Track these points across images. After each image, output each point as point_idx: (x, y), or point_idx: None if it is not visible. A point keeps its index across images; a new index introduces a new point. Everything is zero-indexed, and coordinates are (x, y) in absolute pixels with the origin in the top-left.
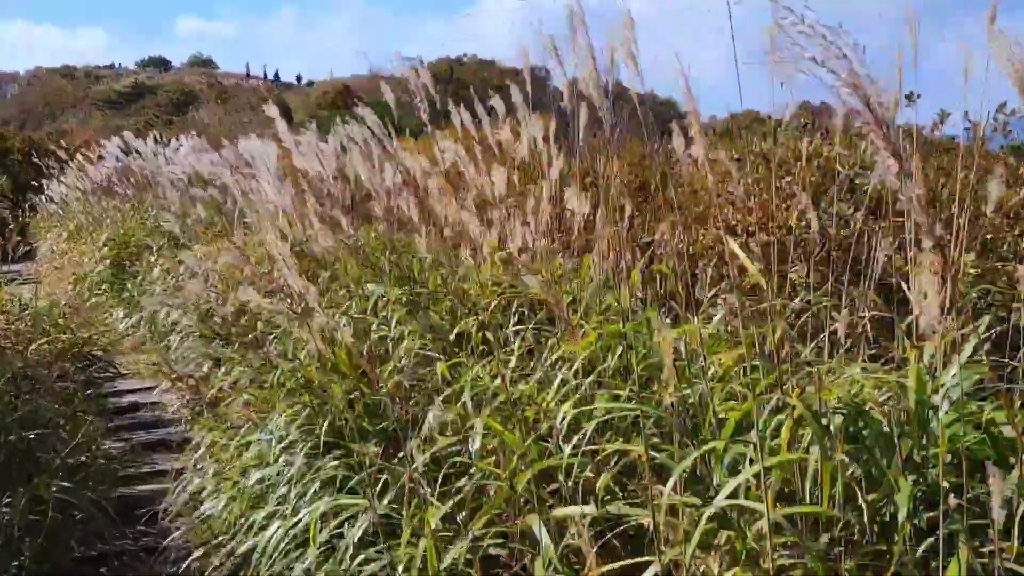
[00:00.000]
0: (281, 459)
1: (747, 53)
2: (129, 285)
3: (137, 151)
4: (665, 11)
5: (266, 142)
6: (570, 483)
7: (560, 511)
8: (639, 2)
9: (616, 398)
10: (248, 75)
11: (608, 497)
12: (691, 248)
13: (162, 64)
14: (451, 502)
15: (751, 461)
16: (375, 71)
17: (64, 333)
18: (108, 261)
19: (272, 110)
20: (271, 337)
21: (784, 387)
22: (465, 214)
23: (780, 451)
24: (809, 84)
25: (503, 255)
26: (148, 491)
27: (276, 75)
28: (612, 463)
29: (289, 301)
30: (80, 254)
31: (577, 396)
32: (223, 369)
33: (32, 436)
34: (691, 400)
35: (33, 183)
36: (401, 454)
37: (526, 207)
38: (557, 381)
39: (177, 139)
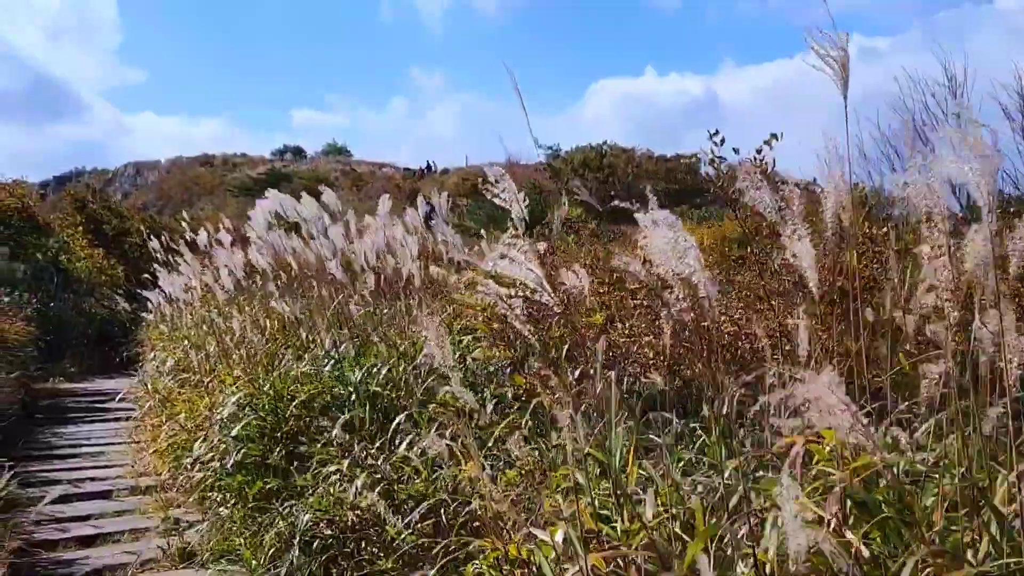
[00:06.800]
0: None
1: None
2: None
3: (293, 223)
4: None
5: None
6: None
7: None
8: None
9: None
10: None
11: None
12: None
13: (297, 152)
14: None
15: None
16: (513, 158)
17: None
18: (242, 451)
19: None
20: None
21: None
22: None
23: None
24: None
25: None
26: None
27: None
28: None
29: None
30: (189, 410)
31: None
32: None
33: None
34: None
35: (149, 274)
36: None
37: None
38: None
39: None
